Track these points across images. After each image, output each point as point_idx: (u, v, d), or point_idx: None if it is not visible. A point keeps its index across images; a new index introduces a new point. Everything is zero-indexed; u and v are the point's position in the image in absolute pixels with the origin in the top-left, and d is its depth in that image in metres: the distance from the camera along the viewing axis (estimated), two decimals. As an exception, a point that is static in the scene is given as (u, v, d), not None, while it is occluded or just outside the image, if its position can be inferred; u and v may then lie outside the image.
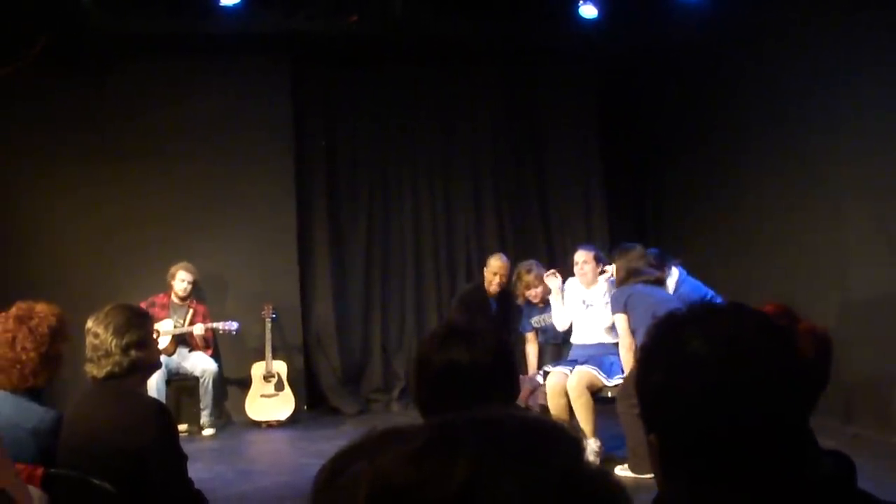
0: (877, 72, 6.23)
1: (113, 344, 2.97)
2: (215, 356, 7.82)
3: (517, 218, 9.11)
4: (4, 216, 7.80)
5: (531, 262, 7.07)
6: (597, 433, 5.81)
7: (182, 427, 7.32)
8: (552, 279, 6.53)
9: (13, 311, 3.11)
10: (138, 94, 8.13)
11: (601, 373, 5.83)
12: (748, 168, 7.57)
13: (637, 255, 5.83)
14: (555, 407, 5.84)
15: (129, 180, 8.09)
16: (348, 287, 8.80)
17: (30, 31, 7.29)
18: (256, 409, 7.86)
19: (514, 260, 7.29)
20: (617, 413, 5.62)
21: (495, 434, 0.71)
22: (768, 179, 7.34)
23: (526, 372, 6.89)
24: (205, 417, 7.60)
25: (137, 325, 3.05)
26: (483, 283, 7.39)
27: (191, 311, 7.73)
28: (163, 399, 6.68)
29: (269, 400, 7.88)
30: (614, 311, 5.73)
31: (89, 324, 3.05)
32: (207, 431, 7.57)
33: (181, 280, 7.69)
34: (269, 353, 7.93)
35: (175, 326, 7.63)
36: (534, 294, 6.86)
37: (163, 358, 6.79)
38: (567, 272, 6.87)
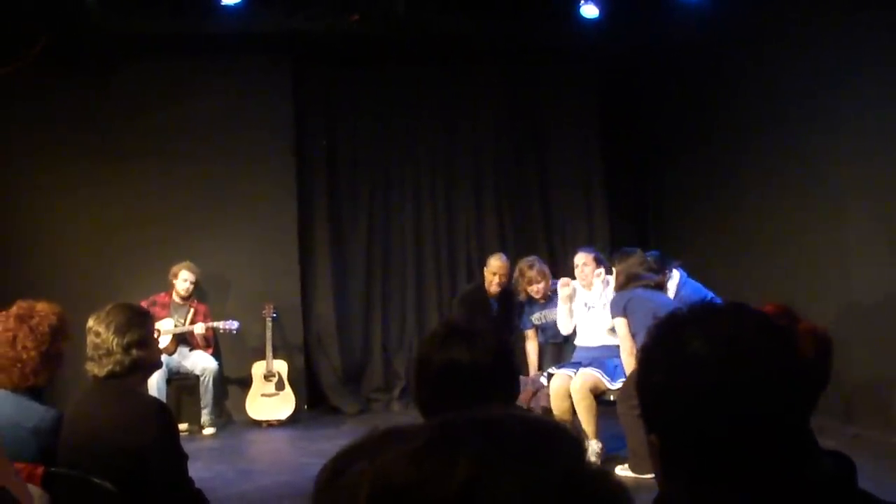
0: (877, 72, 6.23)
1: (114, 343, 2.98)
2: (216, 355, 7.83)
3: (518, 217, 9.11)
4: (5, 216, 7.80)
5: (533, 258, 7.06)
6: (599, 435, 5.81)
7: (182, 426, 7.32)
8: (564, 288, 6.51)
9: (14, 309, 3.11)
10: (139, 94, 8.14)
11: (605, 376, 5.82)
12: (749, 168, 7.57)
13: (637, 260, 5.83)
14: (558, 409, 5.85)
15: (129, 180, 8.10)
16: (349, 286, 8.80)
17: (31, 31, 7.29)
18: (257, 408, 7.87)
19: (515, 259, 7.29)
20: (618, 414, 5.63)
21: (496, 434, 0.71)
22: (769, 179, 7.34)
23: (527, 372, 6.89)
24: (205, 416, 7.60)
25: (138, 325, 3.05)
26: (483, 283, 7.39)
27: (192, 310, 7.74)
28: (163, 398, 6.68)
29: (270, 399, 7.88)
30: (614, 315, 5.73)
31: (90, 322, 3.05)
32: (208, 430, 7.57)
33: (184, 280, 7.70)
34: (269, 353, 7.93)
35: (176, 326, 7.63)
36: (536, 290, 6.85)
37: (163, 357, 6.78)
38: (568, 272, 6.88)
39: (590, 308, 6.30)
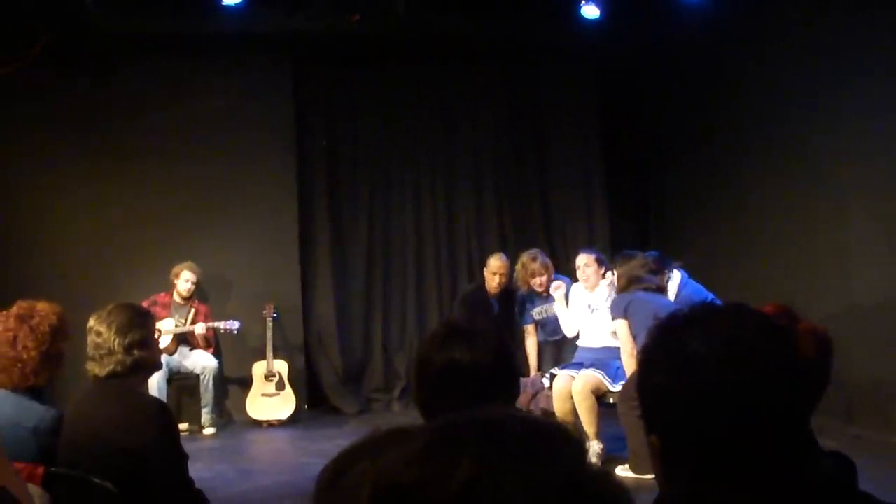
0: (879, 72, 6.23)
1: (116, 343, 2.97)
2: (216, 355, 7.83)
3: (518, 218, 9.10)
4: (5, 215, 7.80)
5: (536, 251, 7.06)
6: (600, 435, 5.82)
7: (183, 426, 7.32)
8: (558, 291, 6.52)
9: (14, 309, 3.11)
10: (140, 94, 8.14)
11: (606, 377, 5.82)
12: (750, 168, 7.57)
13: (638, 263, 5.84)
14: (560, 410, 5.86)
15: (130, 180, 8.10)
16: (349, 286, 8.80)
17: (31, 30, 7.29)
18: (257, 408, 7.87)
19: (514, 260, 7.28)
20: (618, 414, 5.63)
21: (498, 435, 0.71)
22: (770, 180, 7.34)
23: (527, 371, 6.89)
24: (205, 415, 7.60)
25: (140, 325, 3.05)
26: (484, 283, 7.39)
27: (192, 310, 7.74)
28: (164, 398, 6.67)
29: (270, 399, 7.88)
30: (614, 317, 5.73)
31: (91, 322, 3.05)
32: (208, 430, 7.57)
33: (185, 280, 7.70)
34: (270, 353, 7.93)
35: (176, 326, 7.64)
36: (539, 283, 6.84)
37: (164, 357, 6.79)
38: (568, 273, 6.87)
39: (594, 310, 6.30)
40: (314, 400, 8.48)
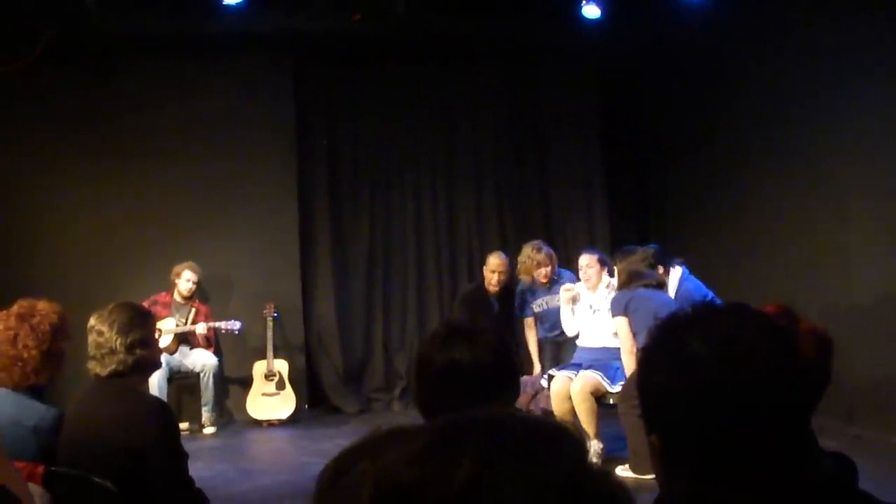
0: (880, 72, 6.23)
1: (118, 342, 2.98)
2: (216, 354, 7.82)
3: (519, 218, 9.10)
4: (6, 214, 7.80)
5: (539, 242, 7.07)
6: (599, 435, 5.82)
7: (183, 425, 7.32)
8: (566, 292, 6.51)
9: (15, 308, 3.12)
10: (140, 93, 8.14)
11: (605, 378, 5.81)
12: (751, 168, 7.57)
13: (638, 258, 5.84)
14: (559, 410, 5.85)
15: (130, 179, 8.10)
16: (350, 286, 8.80)
17: (32, 30, 7.30)
18: (258, 407, 7.87)
19: (514, 258, 7.28)
20: (619, 413, 5.63)
21: (498, 435, 0.71)
22: (771, 179, 7.33)
23: (529, 367, 6.89)
24: (206, 414, 7.60)
25: (141, 324, 3.06)
26: (483, 282, 7.39)
27: (193, 310, 7.74)
28: (164, 397, 6.67)
29: (271, 399, 7.88)
30: (615, 314, 5.73)
31: (92, 322, 3.05)
32: (208, 430, 7.57)
33: (186, 280, 7.70)
34: (270, 352, 7.93)
35: (177, 325, 7.64)
36: (544, 273, 6.85)
37: (164, 356, 6.80)
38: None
39: (595, 311, 6.29)
40: (314, 399, 8.48)
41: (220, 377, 7.81)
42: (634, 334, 5.58)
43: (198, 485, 3.11)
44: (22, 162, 7.88)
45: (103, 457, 2.83)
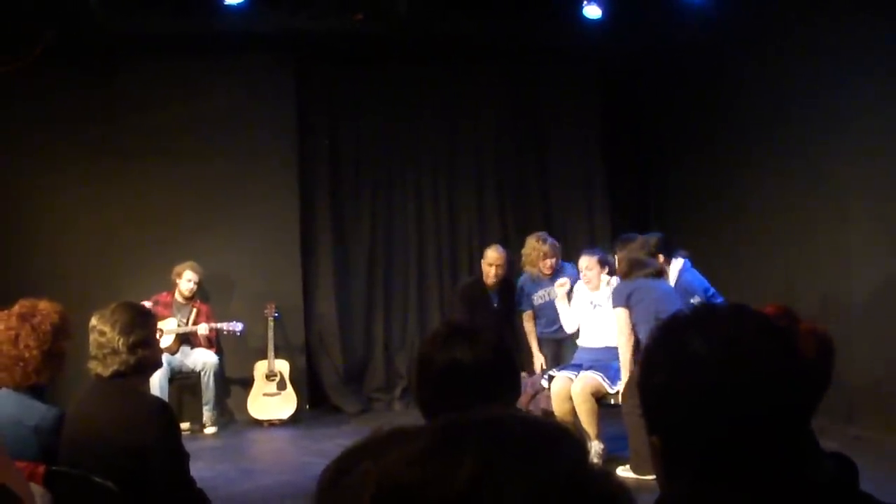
0: (881, 72, 6.23)
1: (120, 342, 2.98)
2: (217, 353, 7.82)
3: (520, 217, 9.10)
4: (7, 214, 7.80)
5: (543, 233, 7.06)
6: (600, 435, 5.81)
7: (184, 425, 7.30)
8: (560, 288, 6.51)
9: (16, 308, 3.12)
10: (142, 93, 8.14)
11: (606, 379, 5.78)
12: (752, 168, 7.57)
13: (638, 245, 5.84)
14: (559, 410, 5.84)
15: (131, 179, 8.10)
16: (351, 286, 8.80)
17: (33, 30, 7.30)
18: (258, 407, 7.87)
19: (516, 254, 7.27)
20: (621, 414, 5.61)
21: (500, 435, 0.71)
22: (772, 180, 7.33)
23: (529, 363, 6.88)
24: (207, 413, 7.60)
25: (143, 324, 3.06)
26: (482, 276, 7.35)
27: (194, 310, 7.74)
28: (165, 397, 6.68)
29: (272, 399, 7.89)
30: (615, 305, 5.69)
31: (94, 321, 3.05)
32: (209, 430, 7.58)
33: (187, 280, 7.70)
34: (271, 352, 7.93)
35: (179, 325, 7.64)
36: (549, 265, 6.84)
37: (165, 356, 6.80)
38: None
39: (596, 306, 6.26)
40: (315, 399, 8.48)
41: (221, 377, 7.82)
42: (634, 325, 5.57)
43: (199, 485, 3.11)
44: (22, 162, 7.88)
45: (104, 457, 2.84)
